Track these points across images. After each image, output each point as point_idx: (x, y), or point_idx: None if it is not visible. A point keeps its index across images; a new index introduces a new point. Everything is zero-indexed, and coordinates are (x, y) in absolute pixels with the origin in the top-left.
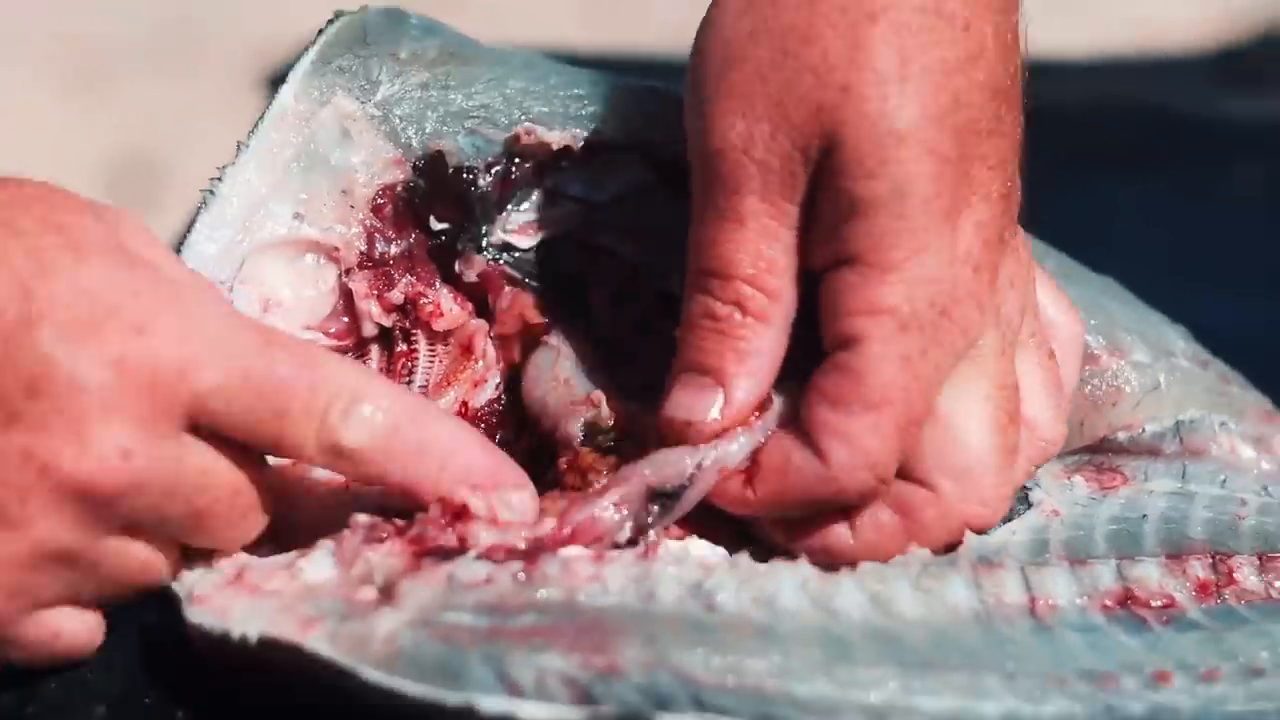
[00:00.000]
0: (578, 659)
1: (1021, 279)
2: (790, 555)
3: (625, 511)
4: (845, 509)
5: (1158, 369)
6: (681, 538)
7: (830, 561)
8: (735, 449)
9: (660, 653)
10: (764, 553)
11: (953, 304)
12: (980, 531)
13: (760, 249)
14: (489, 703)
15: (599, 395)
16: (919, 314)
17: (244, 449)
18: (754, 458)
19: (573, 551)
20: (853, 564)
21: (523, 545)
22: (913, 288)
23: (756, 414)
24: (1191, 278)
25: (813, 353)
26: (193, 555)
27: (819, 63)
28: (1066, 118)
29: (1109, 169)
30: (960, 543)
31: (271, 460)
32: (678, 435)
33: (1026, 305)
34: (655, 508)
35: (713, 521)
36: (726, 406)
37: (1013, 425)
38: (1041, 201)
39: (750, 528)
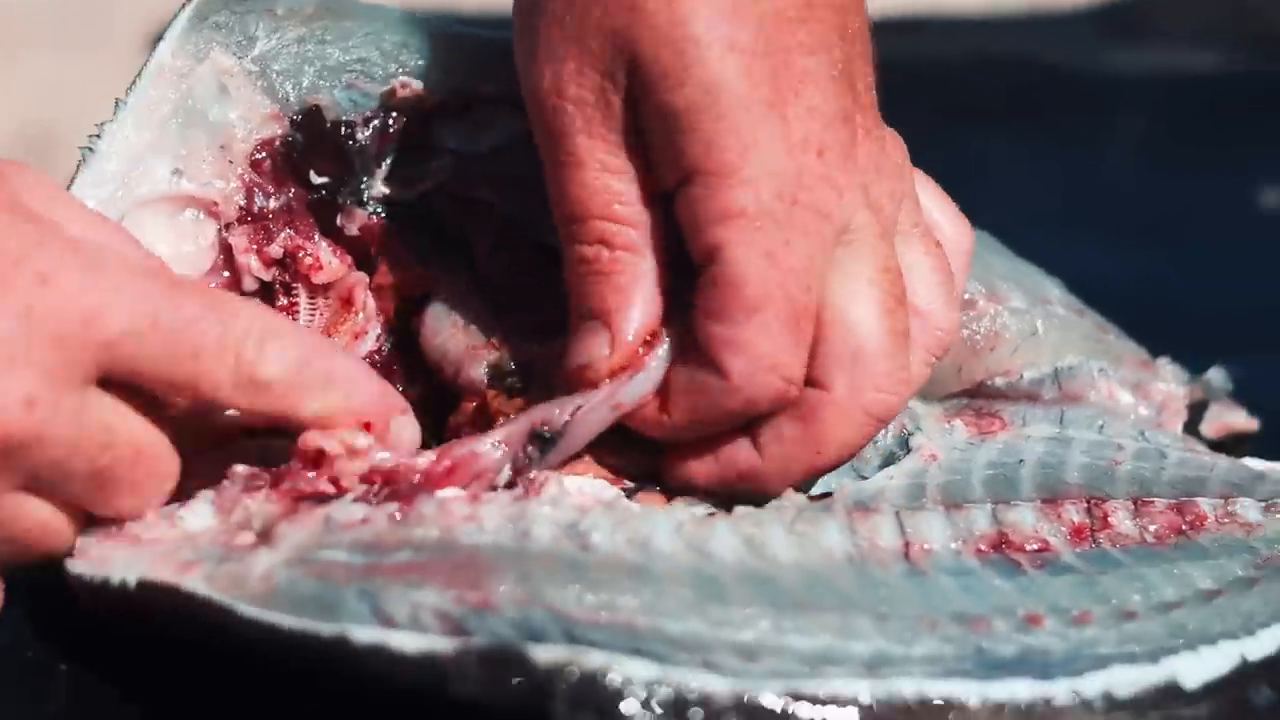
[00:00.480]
0: (452, 594)
1: (891, 168)
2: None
3: (505, 450)
4: (749, 428)
5: (1035, 315)
6: (583, 474)
7: (746, 487)
8: (631, 388)
9: (534, 589)
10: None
11: (801, 190)
12: (885, 420)
13: (607, 183)
14: (362, 634)
15: (497, 339)
16: (770, 208)
17: (155, 404)
18: (664, 384)
19: (449, 492)
20: (770, 484)
21: (389, 466)
22: (756, 184)
23: (646, 348)
24: (1068, 230)
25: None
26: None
27: None
28: (947, 71)
29: (988, 123)
30: (869, 436)
31: None
32: (580, 382)
33: (902, 193)
34: (534, 449)
35: (626, 466)
36: (614, 341)
37: (900, 308)
38: (920, 155)
39: (664, 473)
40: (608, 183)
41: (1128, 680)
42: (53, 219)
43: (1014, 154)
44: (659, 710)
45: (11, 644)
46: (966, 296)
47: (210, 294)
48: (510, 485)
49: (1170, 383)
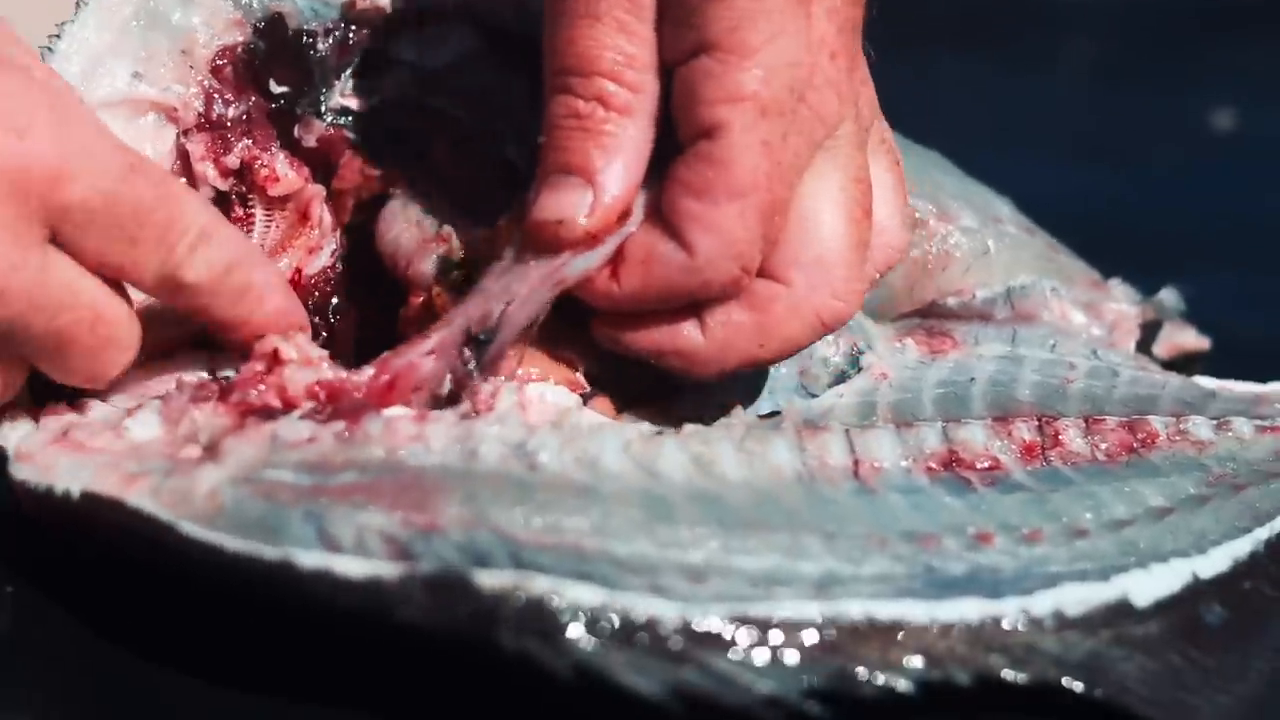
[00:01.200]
0: (398, 516)
1: (869, 82)
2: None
3: (440, 360)
4: (697, 307)
5: (986, 234)
6: (529, 380)
7: (682, 365)
8: (580, 262)
9: (480, 511)
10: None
11: (811, 90)
12: (832, 327)
13: (619, 43)
14: (307, 558)
15: (449, 230)
16: (779, 99)
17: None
18: (620, 251)
19: (396, 411)
20: (705, 366)
21: (331, 379)
22: (772, 73)
23: (618, 221)
24: (1019, 150)
25: (669, 151)
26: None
27: None
28: None
29: (939, 45)
30: (813, 339)
31: None
32: (550, 239)
33: (876, 108)
34: (470, 353)
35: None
36: (596, 203)
37: (865, 219)
38: (873, 78)
39: (597, 341)
40: (620, 42)
41: (1078, 598)
42: (26, 65)
43: (965, 76)
44: (605, 635)
45: None
46: (918, 216)
47: (167, 184)
48: (456, 397)
49: (1122, 302)
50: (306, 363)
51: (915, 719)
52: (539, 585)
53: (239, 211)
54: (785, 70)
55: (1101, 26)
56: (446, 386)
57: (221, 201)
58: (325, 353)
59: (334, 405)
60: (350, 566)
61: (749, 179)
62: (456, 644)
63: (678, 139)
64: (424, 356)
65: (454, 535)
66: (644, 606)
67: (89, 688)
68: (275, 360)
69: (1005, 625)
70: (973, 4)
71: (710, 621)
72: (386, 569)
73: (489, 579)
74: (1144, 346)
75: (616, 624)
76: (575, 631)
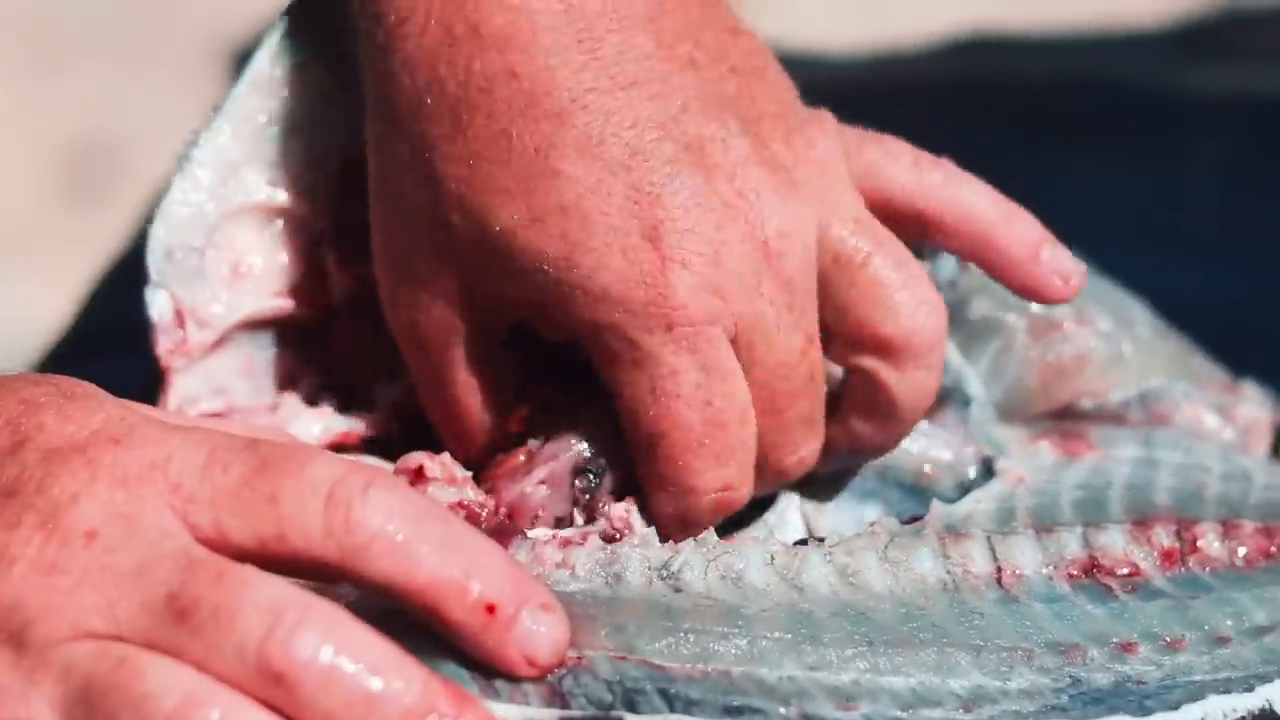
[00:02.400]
0: None
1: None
2: None
3: (554, 491)
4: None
5: (1121, 337)
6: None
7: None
8: None
9: (628, 643)
10: None
11: (672, 312)
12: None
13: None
14: None
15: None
16: (641, 345)
17: None
18: None
19: (539, 533)
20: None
21: (473, 500)
22: (620, 331)
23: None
24: (1151, 249)
25: None
26: None
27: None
28: (1031, 91)
29: (1072, 142)
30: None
31: None
32: None
33: None
34: (580, 482)
35: None
36: None
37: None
38: (1004, 174)
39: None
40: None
41: (1224, 709)
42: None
43: (1097, 173)
44: None
45: None
46: (1054, 316)
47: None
48: (589, 519)
49: (1254, 405)
50: (451, 481)
51: None
52: None
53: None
54: (632, 318)
55: (1234, 125)
56: (560, 510)
57: (351, 309)
58: (470, 474)
59: (483, 522)
60: (509, 713)
61: (653, 428)
62: None
63: None
64: (536, 485)
65: (603, 671)
66: None
67: None
68: (419, 477)
69: None
70: (1110, 102)
71: None
72: (544, 715)
73: None
74: (1276, 451)
75: None
76: None
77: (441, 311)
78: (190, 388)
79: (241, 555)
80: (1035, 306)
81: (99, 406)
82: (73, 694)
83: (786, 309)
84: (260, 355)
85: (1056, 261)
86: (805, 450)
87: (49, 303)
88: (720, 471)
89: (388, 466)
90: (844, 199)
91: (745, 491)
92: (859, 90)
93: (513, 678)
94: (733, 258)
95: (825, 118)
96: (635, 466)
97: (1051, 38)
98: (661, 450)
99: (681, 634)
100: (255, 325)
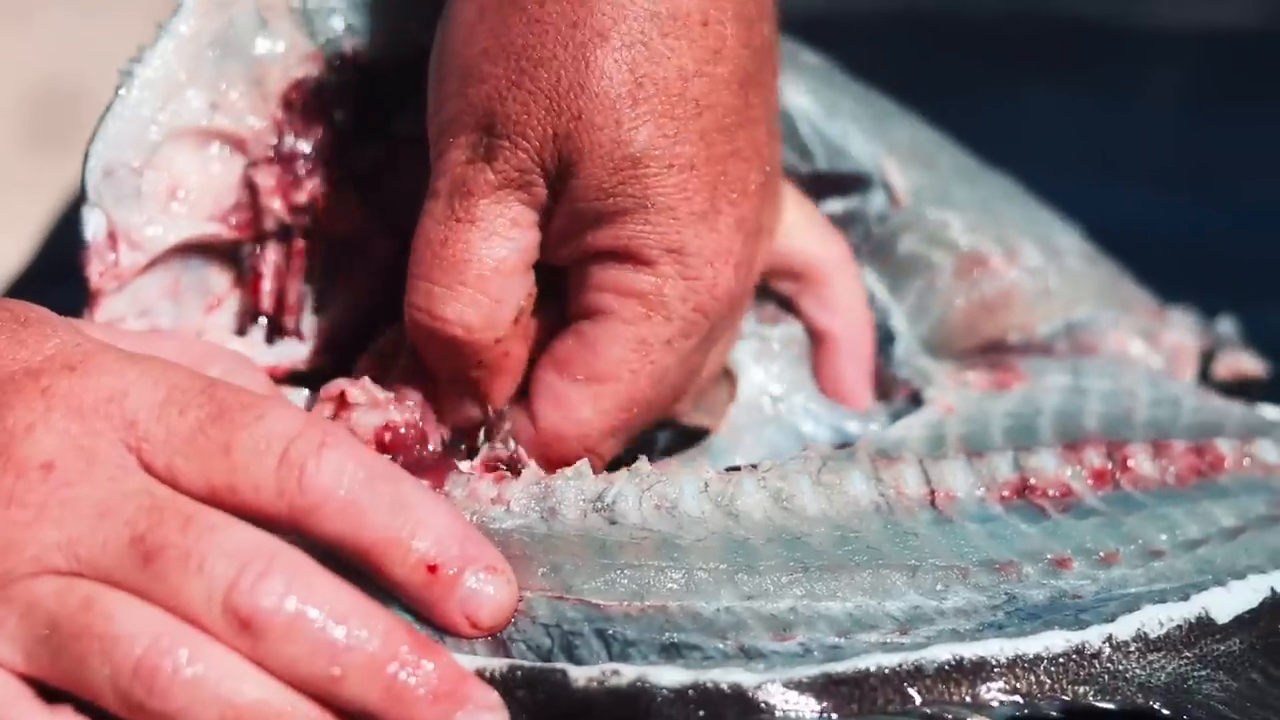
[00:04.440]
0: None
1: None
2: None
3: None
4: None
5: (1049, 271)
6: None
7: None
8: None
9: (565, 582)
10: None
11: (710, 302)
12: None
13: (490, 248)
14: None
15: None
16: (669, 305)
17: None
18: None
19: (468, 464)
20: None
21: (399, 420)
22: (666, 282)
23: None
24: (1100, 177)
25: None
26: None
27: (552, 88)
28: (981, 24)
29: (1025, 74)
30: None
31: None
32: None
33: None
34: None
35: None
36: None
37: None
38: (955, 105)
39: None
40: (494, 248)
41: (1160, 619)
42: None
43: (1051, 103)
44: (693, 714)
45: None
46: (980, 253)
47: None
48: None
49: (1181, 331)
50: (375, 405)
51: None
52: (627, 674)
53: (301, 244)
54: (681, 282)
55: (1186, 57)
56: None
57: (285, 236)
58: (391, 394)
59: (407, 458)
60: (461, 661)
61: (611, 368)
62: None
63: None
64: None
65: (541, 614)
66: (731, 680)
67: None
68: (342, 403)
69: (1090, 654)
70: (1056, 34)
71: (794, 688)
72: (493, 664)
73: (580, 674)
74: (1203, 377)
75: (704, 704)
76: (664, 717)
77: (511, 163)
78: (116, 308)
79: (192, 498)
80: (963, 243)
81: (53, 331)
82: (37, 634)
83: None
84: (187, 277)
85: (869, 384)
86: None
87: (11, 247)
88: (617, 441)
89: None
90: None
91: (600, 462)
92: (813, 23)
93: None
94: (752, 283)
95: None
96: (539, 371)
97: None
98: (599, 391)
99: (618, 570)
100: (185, 248)
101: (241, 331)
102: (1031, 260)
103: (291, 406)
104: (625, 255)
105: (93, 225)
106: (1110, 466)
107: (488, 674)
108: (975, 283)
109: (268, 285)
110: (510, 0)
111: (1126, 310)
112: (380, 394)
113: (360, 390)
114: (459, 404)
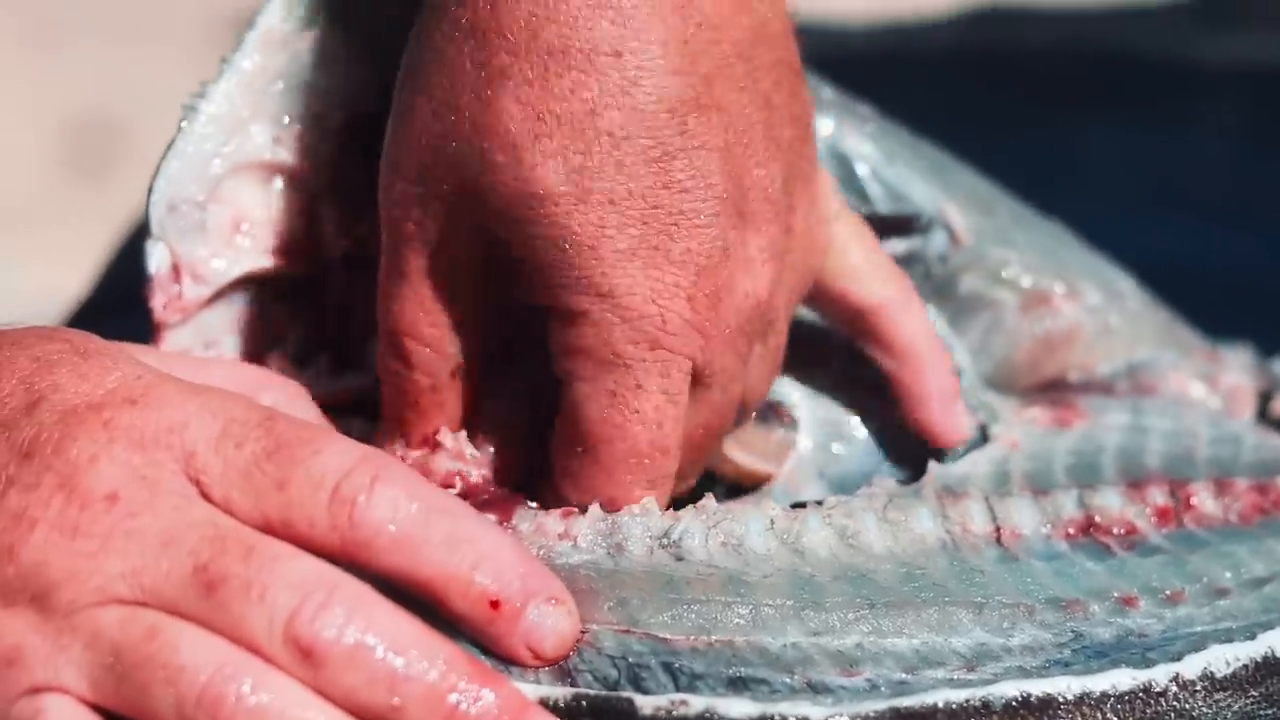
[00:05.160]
0: None
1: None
2: None
3: None
4: None
5: (1109, 311)
6: None
7: None
8: None
9: (631, 616)
10: None
11: (668, 338)
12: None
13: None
14: None
15: None
16: (619, 351)
17: None
18: None
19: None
20: None
21: (476, 480)
22: (607, 329)
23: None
24: (1161, 214)
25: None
26: None
27: (462, 128)
28: (1042, 63)
29: (1084, 112)
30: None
31: None
32: None
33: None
34: None
35: None
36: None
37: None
38: (1011, 142)
39: None
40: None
41: (1226, 658)
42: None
43: (1109, 141)
44: None
45: None
46: (1044, 290)
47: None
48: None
49: (1237, 372)
50: (458, 456)
51: None
52: (695, 705)
53: (362, 276)
54: (624, 326)
55: (1243, 94)
56: None
57: (347, 267)
58: (478, 455)
59: (485, 494)
60: (525, 690)
61: (598, 429)
62: None
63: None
64: None
65: (608, 646)
66: (797, 713)
67: None
68: (432, 445)
69: (1156, 692)
70: (1114, 72)
71: None
72: (557, 693)
73: (647, 705)
74: (1261, 416)
75: None
76: None
77: (429, 214)
78: (181, 341)
79: (252, 528)
80: (1025, 281)
81: (114, 364)
82: (102, 662)
83: (742, 361)
84: (250, 310)
85: (959, 414)
86: (686, 484)
87: (51, 277)
88: (644, 492)
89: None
90: (810, 275)
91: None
92: (875, 60)
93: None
94: (728, 311)
95: (832, 189)
96: (552, 452)
97: (1064, 7)
98: (598, 455)
99: (685, 605)
100: (247, 281)
101: (303, 363)
102: (1093, 299)
103: (348, 441)
104: (559, 311)
105: (156, 258)
106: (1174, 505)
107: (552, 702)
108: (1039, 319)
109: (330, 316)
110: (435, 48)
111: (1185, 352)
112: (468, 450)
113: (453, 438)
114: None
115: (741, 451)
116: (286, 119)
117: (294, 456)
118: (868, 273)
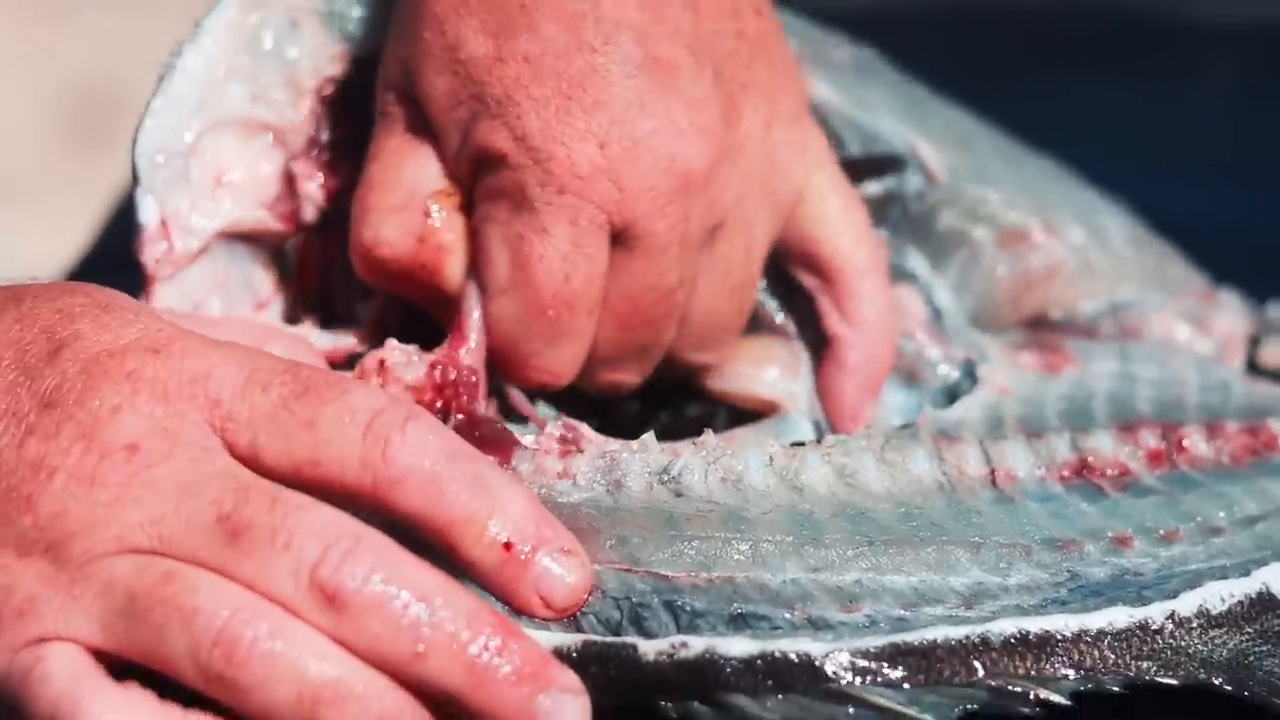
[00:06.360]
0: None
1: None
2: None
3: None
4: None
5: (1090, 248)
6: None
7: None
8: None
9: (633, 554)
10: None
11: (575, 181)
12: None
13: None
14: None
15: None
16: (528, 192)
17: None
18: None
19: (529, 437)
20: None
21: (440, 358)
22: (520, 171)
23: None
24: (1157, 173)
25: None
26: None
27: (403, 15)
28: (1037, 20)
29: (1079, 70)
30: None
31: None
32: None
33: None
34: None
35: None
36: None
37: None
38: (1007, 98)
39: None
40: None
41: (1221, 595)
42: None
43: (1105, 99)
44: (762, 687)
45: None
46: (1020, 227)
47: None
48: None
49: (1232, 315)
50: (410, 362)
51: None
52: (695, 646)
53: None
54: (536, 169)
55: (1239, 52)
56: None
57: (327, 225)
58: (414, 347)
59: (478, 432)
60: (535, 636)
61: (507, 272)
62: (620, 710)
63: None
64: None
65: (610, 586)
66: (799, 649)
67: None
68: (383, 371)
69: (1152, 630)
70: (1112, 25)
71: (866, 656)
72: (565, 640)
73: (650, 648)
74: (1250, 364)
75: (774, 672)
76: (733, 688)
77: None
78: (168, 298)
79: (273, 478)
80: (1002, 217)
81: (135, 317)
82: (115, 607)
83: (679, 242)
84: (235, 270)
85: (869, 405)
86: (626, 376)
87: (52, 246)
88: (549, 353)
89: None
90: (775, 199)
91: (565, 381)
92: (868, 17)
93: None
94: (648, 167)
95: (818, 137)
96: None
97: None
98: (506, 302)
99: (685, 541)
100: (231, 239)
101: (293, 320)
102: (1073, 236)
103: (373, 385)
104: (482, 158)
105: (146, 210)
106: (1165, 447)
107: (561, 651)
108: (1017, 255)
109: (314, 278)
110: None
111: (1174, 293)
112: (411, 349)
113: (393, 351)
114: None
115: (737, 373)
116: (261, 79)
117: (322, 397)
118: (841, 228)
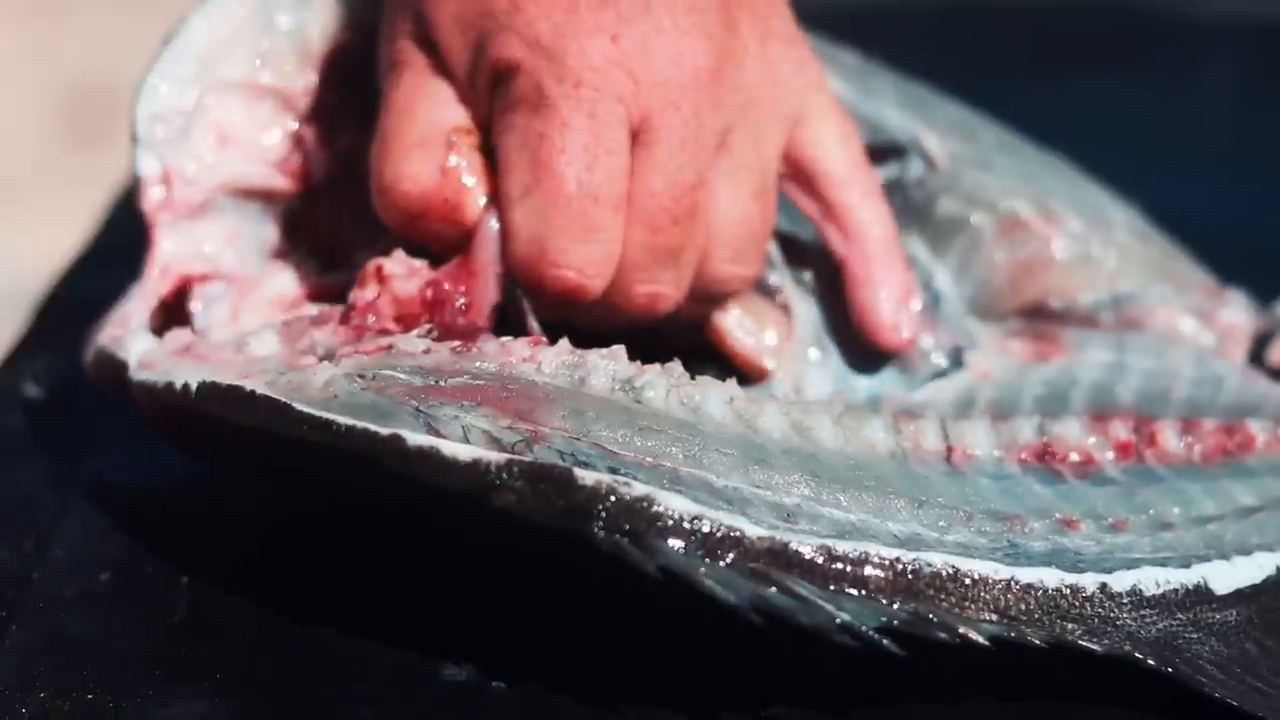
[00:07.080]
0: (505, 421)
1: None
2: None
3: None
4: None
5: (1091, 239)
6: None
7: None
8: None
9: (584, 426)
10: None
11: (591, 74)
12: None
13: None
14: (415, 438)
15: None
16: (546, 91)
17: None
18: None
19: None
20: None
21: (438, 275)
22: (538, 75)
23: None
24: (1159, 169)
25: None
26: None
27: None
28: (1040, 16)
29: (1081, 65)
30: None
31: None
32: None
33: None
34: None
35: None
36: None
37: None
38: (1010, 95)
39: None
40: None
41: (1157, 579)
42: None
43: (1107, 94)
44: (695, 545)
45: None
46: (1019, 215)
47: None
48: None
49: (1236, 311)
50: (411, 273)
51: (984, 671)
52: (635, 490)
53: (352, 192)
54: (551, 66)
55: (1245, 45)
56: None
57: (331, 188)
58: (425, 262)
59: (448, 325)
60: (457, 450)
61: (528, 173)
62: (551, 534)
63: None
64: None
65: (556, 442)
66: (735, 524)
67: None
68: (380, 278)
69: (1083, 596)
70: (1115, 21)
71: (797, 549)
72: (491, 456)
73: (588, 477)
74: (1258, 359)
75: (707, 536)
76: (666, 536)
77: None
78: (177, 248)
79: None
80: (1001, 205)
81: None
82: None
83: (695, 138)
84: (247, 227)
85: (909, 312)
86: (658, 287)
87: (52, 245)
88: (578, 249)
89: None
90: (779, 110)
91: (597, 286)
92: (872, 12)
93: (464, 432)
94: (659, 61)
95: (813, 58)
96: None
97: None
98: (527, 207)
99: (637, 431)
100: (241, 195)
101: (303, 279)
102: (1072, 226)
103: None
104: (498, 71)
105: (145, 163)
106: (1135, 440)
107: (484, 463)
108: (1017, 244)
109: (324, 237)
110: None
111: (1180, 287)
112: (419, 264)
113: (394, 262)
114: None
115: (741, 322)
116: (267, 45)
117: None
118: (839, 150)
